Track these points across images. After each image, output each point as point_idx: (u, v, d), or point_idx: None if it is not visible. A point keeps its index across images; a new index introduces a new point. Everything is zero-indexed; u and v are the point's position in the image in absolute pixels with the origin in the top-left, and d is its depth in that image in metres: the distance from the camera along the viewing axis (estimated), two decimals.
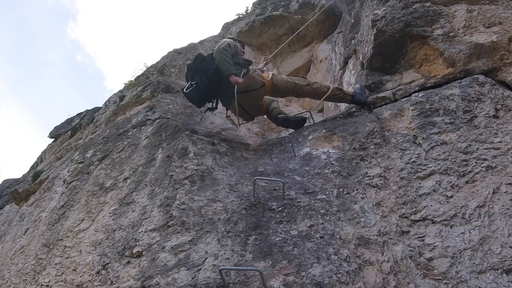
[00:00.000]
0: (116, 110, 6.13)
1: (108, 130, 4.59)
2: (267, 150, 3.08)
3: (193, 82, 3.31)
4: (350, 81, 3.92)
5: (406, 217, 2.26)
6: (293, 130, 3.47)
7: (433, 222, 2.18)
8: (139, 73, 7.43)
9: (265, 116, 3.92)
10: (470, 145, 2.47)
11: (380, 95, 3.22)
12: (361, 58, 3.70)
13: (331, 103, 4.51)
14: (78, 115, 8.46)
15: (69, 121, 8.55)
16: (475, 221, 2.14)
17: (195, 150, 2.90)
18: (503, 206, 2.17)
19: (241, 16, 8.96)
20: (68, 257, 2.93)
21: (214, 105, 3.61)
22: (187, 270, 1.93)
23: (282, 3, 7.83)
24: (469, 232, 2.10)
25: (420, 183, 2.39)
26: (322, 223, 2.11)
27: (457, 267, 1.98)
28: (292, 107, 5.83)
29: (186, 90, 3.32)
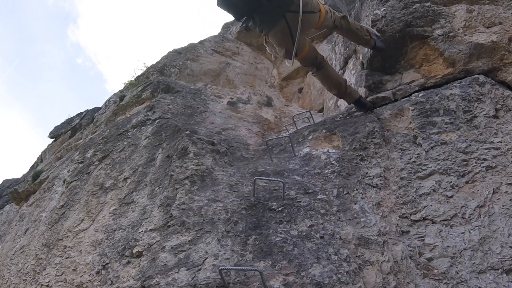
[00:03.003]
0: (116, 110, 6.13)
1: (108, 130, 4.59)
2: (267, 150, 3.08)
3: None
4: (350, 81, 3.91)
5: (406, 217, 2.26)
6: (293, 130, 3.46)
7: (433, 222, 2.18)
8: (139, 73, 7.43)
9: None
10: (470, 145, 2.47)
11: (380, 95, 3.22)
12: (361, 58, 3.70)
13: (331, 103, 4.51)
14: (78, 115, 8.46)
15: (69, 121, 8.55)
16: (475, 221, 2.14)
17: (195, 150, 2.90)
18: (503, 206, 2.17)
19: None
20: (68, 257, 2.93)
21: (251, 23, 2.91)
22: (187, 270, 1.93)
23: None
24: (469, 232, 2.10)
25: (420, 183, 2.38)
26: (322, 223, 2.11)
27: (457, 267, 1.98)
28: (292, 107, 5.83)
29: None
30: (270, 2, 2.67)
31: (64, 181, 4.15)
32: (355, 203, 2.28)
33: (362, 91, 3.40)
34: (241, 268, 1.83)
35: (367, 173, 2.50)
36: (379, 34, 3.28)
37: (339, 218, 2.17)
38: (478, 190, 2.26)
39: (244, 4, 2.69)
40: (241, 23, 2.93)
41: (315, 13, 2.85)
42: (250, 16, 2.82)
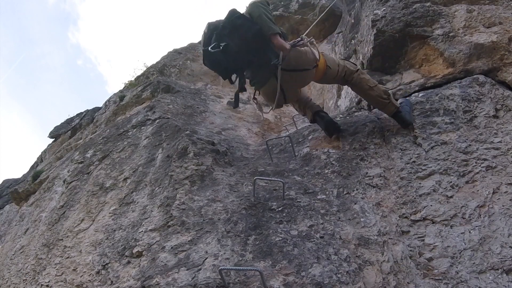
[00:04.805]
0: (116, 110, 6.14)
1: (108, 130, 4.59)
2: (267, 150, 3.07)
3: (221, 44, 2.42)
4: None
5: (406, 217, 2.26)
6: (293, 130, 3.46)
7: (433, 222, 2.18)
8: (139, 73, 7.46)
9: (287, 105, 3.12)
10: (470, 145, 2.47)
11: None
12: (361, 58, 3.70)
13: (331, 103, 4.50)
14: (78, 115, 8.47)
15: (69, 121, 8.56)
16: (475, 221, 2.13)
17: (195, 150, 2.90)
18: (503, 206, 2.17)
19: None
20: (68, 257, 2.93)
21: (242, 81, 2.70)
22: (187, 270, 1.93)
23: (282, 3, 7.83)
24: (469, 232, 2.09)
25: (420, 183, 2.38)
26: (322, 223, 2.11)
27: (457, 267, 1.98)
28: (292, 107, 5.83)
29: (212, 49, 2.44)
30: (260, 59, 2.53)
31: (64, 181, 4.15)
32: (355, 203, 2.28)
33: None
34: (241, 268, 1.83)
35: (367, 173, 2.50)
36: (405, 103, 2.79)
37: (339, 218, 2.17)
38: (478, 190, 2.26)
39: (228, 66, 2.54)
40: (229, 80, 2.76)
41: (307, 70, 2.61)
42: (240, 74, 2.68)
